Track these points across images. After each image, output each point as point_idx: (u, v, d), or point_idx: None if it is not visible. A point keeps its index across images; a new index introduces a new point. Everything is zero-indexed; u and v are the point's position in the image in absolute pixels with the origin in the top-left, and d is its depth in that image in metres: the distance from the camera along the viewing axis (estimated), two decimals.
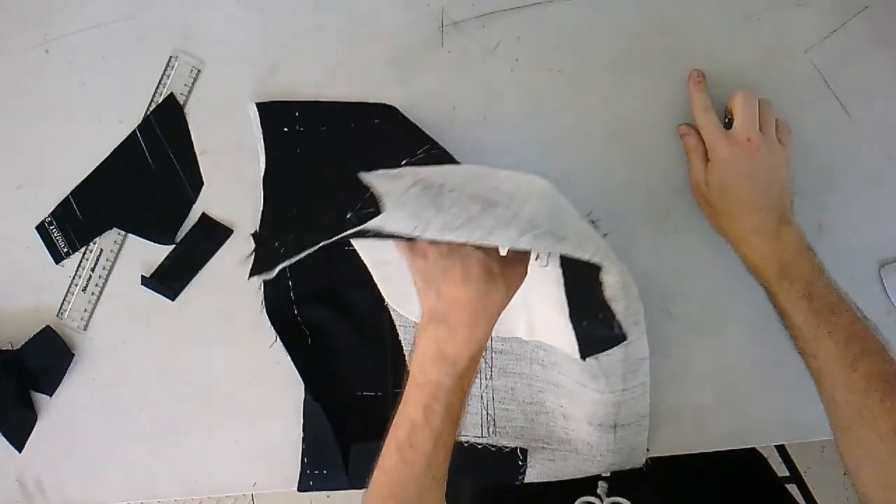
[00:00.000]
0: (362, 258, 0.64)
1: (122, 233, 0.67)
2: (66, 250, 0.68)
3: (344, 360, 0.66)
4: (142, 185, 0.67)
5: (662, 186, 0.66)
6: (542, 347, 0.65)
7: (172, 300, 0.67)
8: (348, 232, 0.52)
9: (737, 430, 0.67)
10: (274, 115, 0.65)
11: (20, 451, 0.68)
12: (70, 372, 0.68)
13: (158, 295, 0.67)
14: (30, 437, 0.68)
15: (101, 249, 0.67)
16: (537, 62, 0.67)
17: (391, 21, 0.67)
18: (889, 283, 0.65)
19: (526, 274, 0.54)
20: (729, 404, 0.66)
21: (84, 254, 0.67)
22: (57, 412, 0.68)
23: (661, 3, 0.67)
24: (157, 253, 0.68)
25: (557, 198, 0.52)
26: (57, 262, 0.68)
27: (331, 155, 0.65)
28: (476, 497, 0.77)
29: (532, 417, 0.65)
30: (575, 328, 0.60)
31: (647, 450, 0.65)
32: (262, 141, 0.65)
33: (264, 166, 0.65)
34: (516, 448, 0.66)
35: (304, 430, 0.66)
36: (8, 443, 0.68)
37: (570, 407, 0.65)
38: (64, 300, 0.67)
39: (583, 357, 0.61)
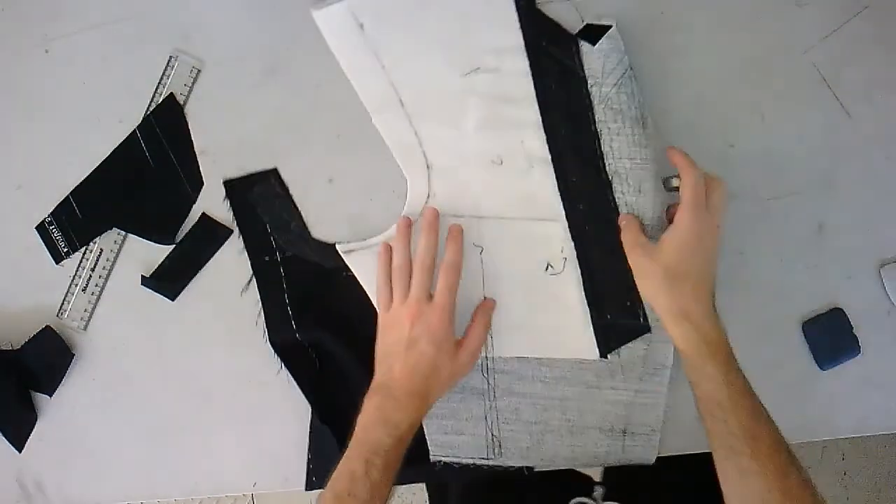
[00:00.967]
0: (360, 282, 0.64)
1: (122, 233, 0.67)
2: (66, 250, 0.68)
3: (347, 381, 0.65)
4: (142, 185, 0.67)
5: None
6: (545, 364, 0.65)
7: (172, 300, 0.67)
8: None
9: None
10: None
11: (20, 451, 0.68)
12: (70, 372, 0.68)
13: (158, 295, 0.67)
14: (30, 437, 0.68)
15: (101, 249, 0.67)
16: None
17: None
18: (889, 283, 0.65)
19: (471, 369, 0.62)
20: None
21: (84, 254, 0.67)
22: (57, 412, 0.68)
23: (661, 3, 0.67)
24: (157, 253, 0.68)
25: None
26: (57, 262, 0.68)
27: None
28: (465, 497, 0.77)
29: (538, 437, 0.65)
30: (596, 326, 0.63)
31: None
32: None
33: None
34: (522, 468, 0.66)
35: (310, 452, 0.66)
36: (8, 443, 0.68)
37: (578, 419, 0.65)
38: (64, 300, 0.67)
39: (603, 355, 0.62)
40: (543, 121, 0.63)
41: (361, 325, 0.64)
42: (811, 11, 0.65)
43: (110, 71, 0.68)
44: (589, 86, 0.62)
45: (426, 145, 0.64)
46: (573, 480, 0.70)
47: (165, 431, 0.68)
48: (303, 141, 0.67)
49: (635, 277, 0.60)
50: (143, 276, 0.67)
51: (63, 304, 0.67)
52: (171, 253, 0.67)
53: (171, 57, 0.67)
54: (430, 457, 0.65)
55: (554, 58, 0.63)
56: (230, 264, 0.67)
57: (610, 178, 0.62)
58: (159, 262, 0.67)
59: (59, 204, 0.68)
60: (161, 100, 0.67)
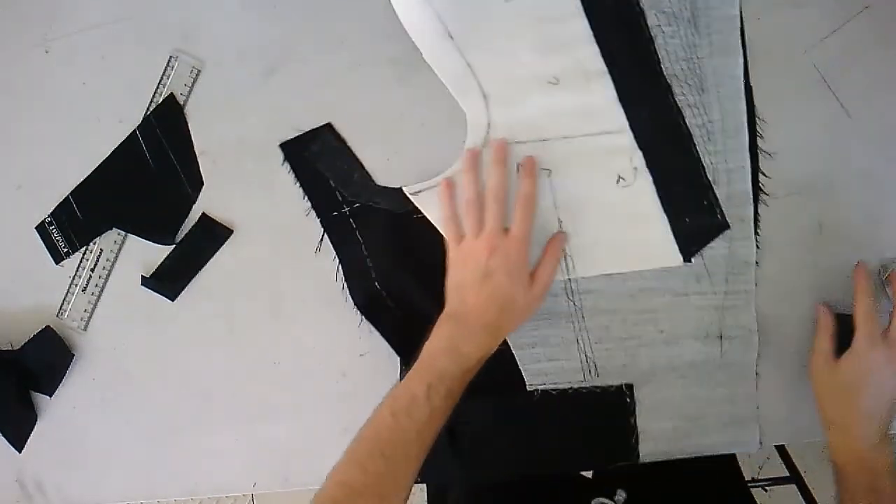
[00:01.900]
0: (433, 222, 0.64)
1: (122, 233, 0.67)
2: (66, 250, 0.68)
3: (429, 325, 0.65)
4: (142, 185, 0.67)
5: None
6: (629, 278, 0.64)
7: (172, 300, 0.67)
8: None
9: None
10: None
11: (20, 451, 0.68)
12: (70, 372, 0.68)
13: (158, 295, 0.67)
14: (30, 437, 0.68)
15: (101, 249, 0.67)
16: None
17: (391, 21, 0.67)
18: (890, 287, 0.65)
19: (542, 303, 0.62)
20: None
21: (84, 254, 0.67)
22: (57, 412, 0.68)
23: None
24: (157, 253, 0.68)
25: None
26: (57, 263, 0.68)
27: None
28: (473, 499, 0.77)
29: (632, 352, 0.65)
30: (675, 231, 0.63)
31: (757, 374, 0.65)
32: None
33: None
34: (621, 385, 0.65)
35: None
36: (8, 443, 0.68)
37: (671, 329, 0.64)
38: (64, 300, 0.67)
39: (687, 258, 0.63)
40: (595, 33, 0.62)
41: (439, 266, 0.64)
42: (811, 11, 0.65)
43: (110, 71, 0.68)
44: None
45: (480, 75, 0.63)
46: (592, 484, 0.69)
47: (165, 431, 0.68)
48: (356, 86, 0.67)
49: (810, 377, 0.62)
50: (143, 276, 0.67)
51: (63, 304, 0.67)
52: (171, 253, 0.67)
53: (171, 57, 0.67)
54: (527, 386, 0.65)
55: None
56: (230, 264, 0.67)
57: (669, 81, 0.63)
58: (159, 262, 0.68)
59: (59, 204, 0.68)
60: (161, 100, 0.67)
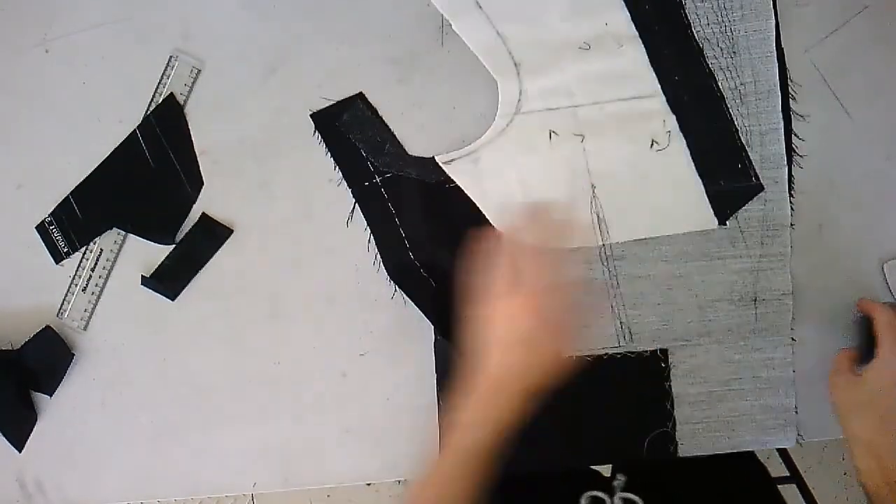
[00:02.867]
0: (466, 192, 0.65)
1: (122, 233, 0.67)
2: (66, 250, 0.68)
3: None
4: (142, 185, 0.67)
5: None
6: (663, 242, 0.65)
7: (172, 300, 0.67)
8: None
9: None
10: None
11: (20, 451, 0.68)
12: (70, 372, 0.68)
13: (158, 295, 0.67)
14: (30, 437, 0.68)
15: (101, 249, 0.67)
16: None
17: (391, 21, 0.67)
18: (892, 280, 0.65)
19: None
20: None
21: (84, 254, 0.67)
22: (57, 412, 0.68)
23: None
24: (157, 253, 0.68)
25: None
26: (57, 262, 0.68)
27: None
28: None
29: (667, 317, 0.65)
30: (709, 194, 0.64)
31: (793, 339, 0.65)
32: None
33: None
34: (656, 350, 0.65)
35: (437, 373, 0.66)
36: (8, 443, 0.68)
37: (705, 293, 0.65)
38: (64, 300, 0.67)
39: (722, 221, 0.64)
40: None
41: (471, 234, 0.64)
42: (811, 11, 0.65)
43: (110, 71, 0.68)
44: None
45: (510, 44, 0.64)
46: (591, 477, 0.69)
47: (165, 431, 0.68)
48: (356, 86, 0.67)
49: (832, 399, 0.60)
50: (143, 276, 0.67)
51: (63, 304, 0.67)
52: (171, 253, 0.67)
53: (171, 57, 0.67)
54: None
55: None
56: (230, 264, 0.67)
57: (700, 45, 0.64)
58: (159, 263, 0.67)
59: (59, 204, 0.68)
60: (161, 99, 0.67)
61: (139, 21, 0.68)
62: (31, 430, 0.68)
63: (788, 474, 0.97)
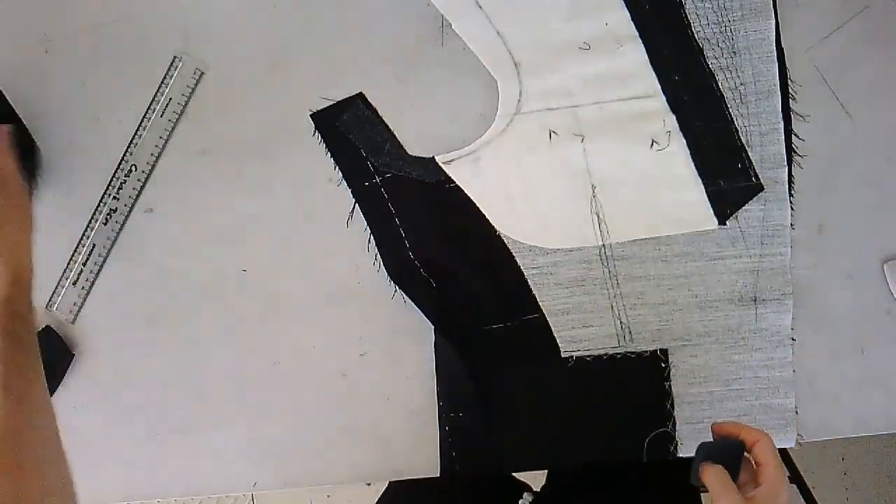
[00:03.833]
0: (466, 192, 0.65)
1: (115, 230, 0.67)
2: None
3: (466, 296, 0.66)
4: None
5: None
6: (663, 242, 0.65)
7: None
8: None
9: None
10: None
11: None
12: (70, 372, 0.68)
13: (158, 295, 0.67)
14: None
15: (94, 245, 0.67)
16: None
17: (391, 21, 0.67)
18: (892, 278, 0.65)
19: None
20: None
21: (76, 248, 0.67)
22: (57, 412, 0.68)
23: None
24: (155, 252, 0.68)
25: None
26: None
27: None
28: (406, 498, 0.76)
29: (667, 317, 0.65)
30: (709, 194, 0.64)
31: (793, 339, 0.65)
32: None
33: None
34: (656, 350, 0.66)
35: (437, 373, 0.66)
36: None
37: (705, 293, 0.65)
38: (53, 292, 0.67)
39: (722, 221, 0.64)
40: None
41: (473, 234, 0.65)
42: (811, 11, 0.65)
43: (110, 71, 0.68)
44: None
45: (510, 44, 0.65)
46: (505, 488, 0.69)
47: (165, 431, 0.68)
48: (356, 86, 0.67)
49: None
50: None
51: (52, 295, 0.67)
52: None
53: (175, 58, 0.67)
54: (562, 353, 0.65)
55: None
56: (231, 264, 0.67)
57: (700, 45, 0.64)
58: None
59: None
60: (163, 99, 0.67)
61: (139, 21, 0.68)
62: None
63: (788, 474, 0.97)
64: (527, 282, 0.66)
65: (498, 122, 0.65)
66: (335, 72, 0.67)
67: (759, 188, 0.64)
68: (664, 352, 0.65)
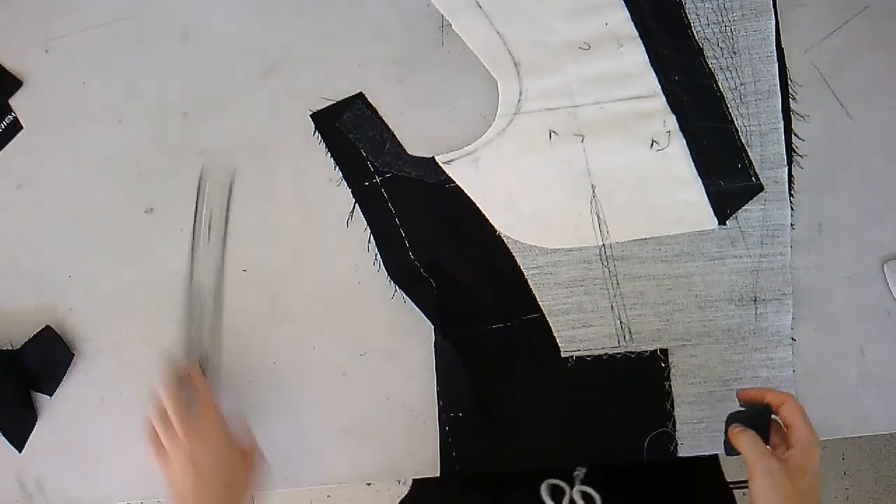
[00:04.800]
0: (466, 192, 0.65)
1: None
2: None
3: (466, 296, 0.66)
4: None
5: None
6: (663, 242, 0.65)
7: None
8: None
9: None
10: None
11: (20, 451, 0.68)
12: (70, 372, 0.68)
13: (158, 295, 0.67)
14: (30, 437, 0.68)
15: None
16: None
17: (391, 21, 0.67)
18: (892, 278, 0.65)
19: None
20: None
21: None
22: (57, 412, 0.68)
23: None
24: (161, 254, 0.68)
25: None
26: None
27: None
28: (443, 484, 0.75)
29: (667, 317, 0.65)
30: (709, 194, 0.64)
31: (793, 339, 0.65)
32: None
33: None
34: (656, 350, 0.66)
35: (437, 373, 0.66)
36: (8, 443, 0.68)
37: (705, 293, 0.65)
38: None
39: (722, 221, 0.64)
40: None
41: (473, 234, 0.65)
42: (811, 11, 0.65)
43: (110, 71, 0.68)
44: None
45: (510, 44, 0.65)
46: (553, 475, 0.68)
47: None
48: (356, 86, 0.67)
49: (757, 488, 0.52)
50: None
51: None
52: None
53: (202, 169, 0.67)
54: (562, 353, 0.66)
55: None
56: (230, 265, 0.67)
57: (700, 45, 0.64)
58: None
59: None
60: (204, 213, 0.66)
61: (139, 21, 0.68)
62: (31, 430, 0.68)
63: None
64: (527, 282, 0.66)
65: (498, 122, 0.65)
66: (335, 72, 0.67)
67: (759, 188, 0.64)
68: (664, 352, 0.65)
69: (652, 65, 0.64)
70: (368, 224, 0.67)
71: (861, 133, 0.66)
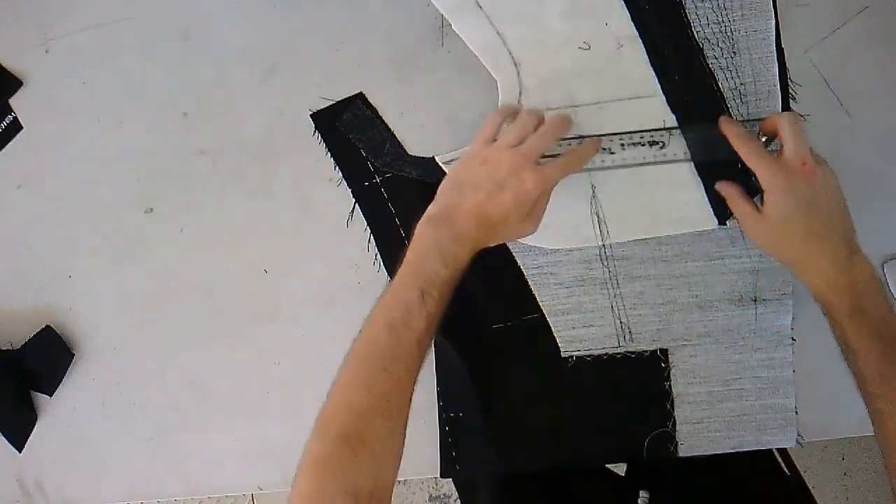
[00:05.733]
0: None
1: None
2: None
3: (466, 296, 0.65)
4: None
5: None
6: (663, 242, 0.65)
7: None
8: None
9: None
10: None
11: (20, 451, 0.68)
12: (70, 372, 0.68)
13: (158, 295, 0.67)
14: (30, 437, 0.68)
15: None
16: None
17: (391, 21, 0.67)
18: (892, 280, 0.65)
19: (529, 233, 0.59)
20: None
21: None
22: (57, 412, 0.68)
23: None
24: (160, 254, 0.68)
25: None
26: None
27: None
28: (498, 488, 0.75)
29: (667, 317, 0.65)
30: (709, 194, 0.64)
31: (793, 340, 0.65)
32: None
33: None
34: (656, 350, 0.66)
35: (437, 373, 0.66)
36: (8, 443, 0.68)
37: (705, 293, 0.65)
38: None
39: (722, 221, 0.64)
40: None
41: None
42: (811, 11, 0.65)
43: (110, 71, 0.68)
44: None
45: (510, 43, 0.65)
46: (615, 482, 0.69)
47: (165, 431, 0.68)
48: (356, 86, 0.67)
49: (751, 241, 0.61)
50: None
51: None
52: None
53: None
54: (562, 353, 0.66)
55: None
56: (231, 265, 0.67)
57: (700, 44, 0.64)
58: None
59: None
60: None
61: (139, 21, 0.68)
62: (31, 430, 0.68)
63: (788, 474, 0.96)
64: (527, 282, 0.66)
65: None
66: (335, 72, 0.67)
67: (759, 189, 0.64)
68: (664, 352, 0.65)
69: (652, 65, 0.64)
70: (368, 224, 0.67)
71: (861, 133, 0.66)
